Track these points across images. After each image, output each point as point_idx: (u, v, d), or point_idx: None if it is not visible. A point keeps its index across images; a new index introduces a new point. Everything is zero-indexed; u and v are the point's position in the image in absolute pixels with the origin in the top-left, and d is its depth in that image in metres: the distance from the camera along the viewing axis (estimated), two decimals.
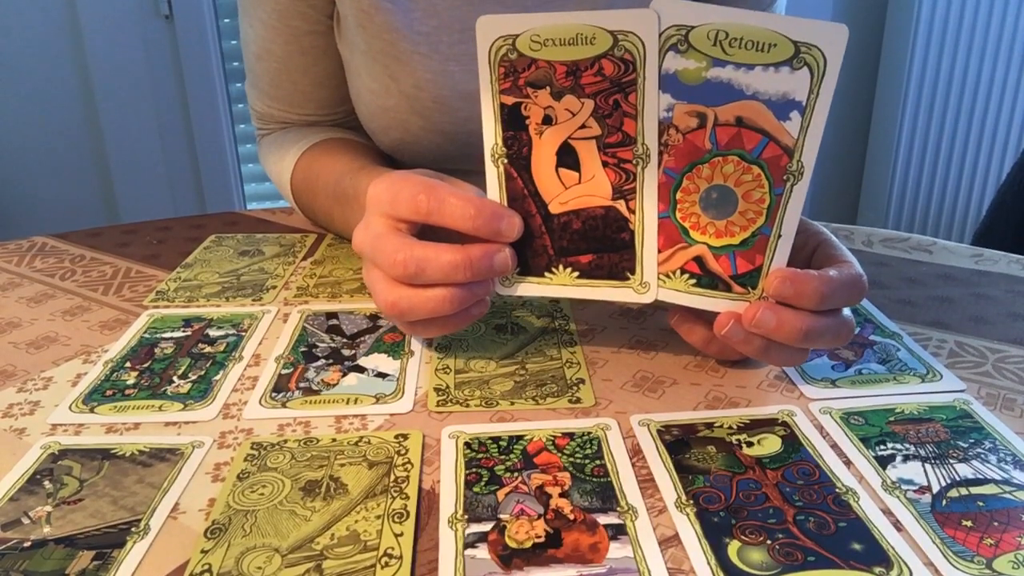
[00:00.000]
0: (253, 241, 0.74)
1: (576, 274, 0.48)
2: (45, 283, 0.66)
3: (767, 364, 0.51)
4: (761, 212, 0.45)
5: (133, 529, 0.38)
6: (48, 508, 0.40)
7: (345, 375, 0.51)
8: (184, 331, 0.57)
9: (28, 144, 1.92)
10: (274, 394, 0.49)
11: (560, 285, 0.49)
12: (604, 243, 0.47)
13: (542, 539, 0.37)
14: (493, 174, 0.47)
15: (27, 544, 0.37)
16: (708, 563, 0.35)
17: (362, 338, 0.55)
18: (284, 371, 0.51)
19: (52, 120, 1.91)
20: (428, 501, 0.40)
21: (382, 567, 0.35)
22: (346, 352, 0.54)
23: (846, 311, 0.46)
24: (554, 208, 0.47)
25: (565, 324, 0.57)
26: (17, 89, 1.87)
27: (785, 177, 0.44)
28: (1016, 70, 1.86)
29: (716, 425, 0.45)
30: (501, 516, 0.38)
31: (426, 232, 0.48)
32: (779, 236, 0.46)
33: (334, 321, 0.58)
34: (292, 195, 0.75)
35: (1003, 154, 1.93)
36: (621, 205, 0.47)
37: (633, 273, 0.48)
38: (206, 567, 0.35)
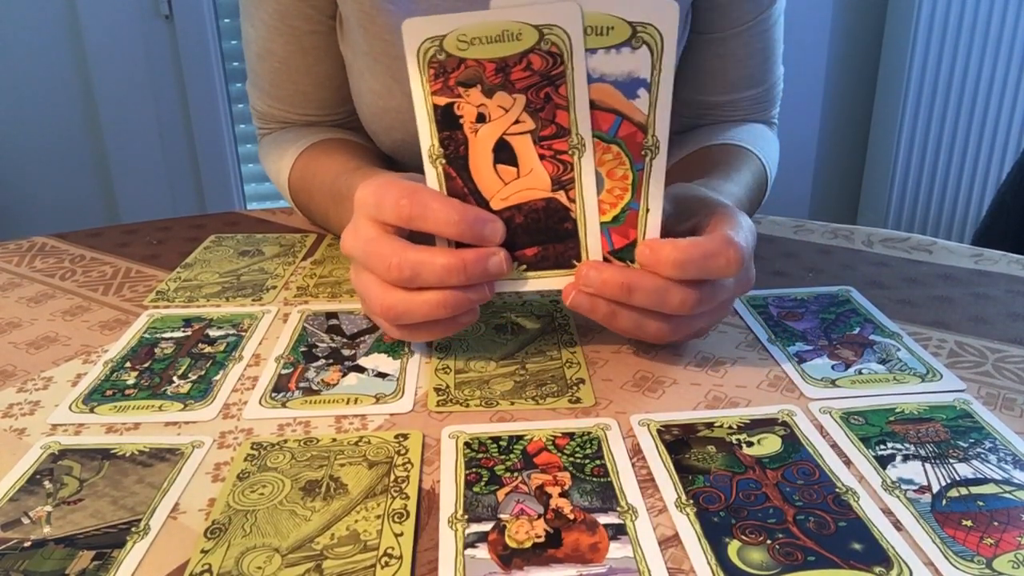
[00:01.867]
0: (253, 241, 0.74)
1: (523, 268, 0.49)
2: (45, 283, 0.66)
3: (763, 368, 0.51)
4: (626, 188, 0.47)
5: (133, 529, 0.38)
6: (48, 508, 0.40)
7: (345, 375, 0.51)
8: (184, 331, 0.57)
9: (28, 144, 1.92)
10: (274, 394, 0.49)
11: (508, 280, 0.49)
12: (548, 234, 0.48)
13: (542, 539, 0.37)
14: (432, 175, 0.48)
15: (27, 544, 0.37)
16: (708, 563, 0.35)
17: (362, 338, 0.55)
18: (284, 371, 0.52)
19: (52, 120, 1.91)
20: (428, 501, 0.40)
21: (382, 567, 0.35)
22: (346, 352, 0.54)
23: (722, 283, 0.47)
24: (495, 204, 0.48)
25: (565, 324, 0.57)
26: (17, 89, 1.87)
27: (643, 152, 0.47)
28: (1016, 70, 1.87)
29: (716, 425, 0.45)
30: (501, 516, 0.38)
31: (416, 235, 0.48)
32: (647, 210, 0.47)
33: (334, 321, 0.58)
34: (290, 194, 0.75)
35: (1003, 154, 1.93)
36: (561, 196, 0.48)
37: (579, 261, 0.49)
38: (206, 567, 0.35)
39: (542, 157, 0.47)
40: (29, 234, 0.77)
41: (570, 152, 0.46)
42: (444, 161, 0.47)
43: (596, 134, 0.46)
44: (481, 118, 0.46)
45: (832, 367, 0.51)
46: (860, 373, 0.50)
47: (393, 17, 0.65)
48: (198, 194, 2.04)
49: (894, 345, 0.53)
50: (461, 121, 0.46)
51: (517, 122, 0.46)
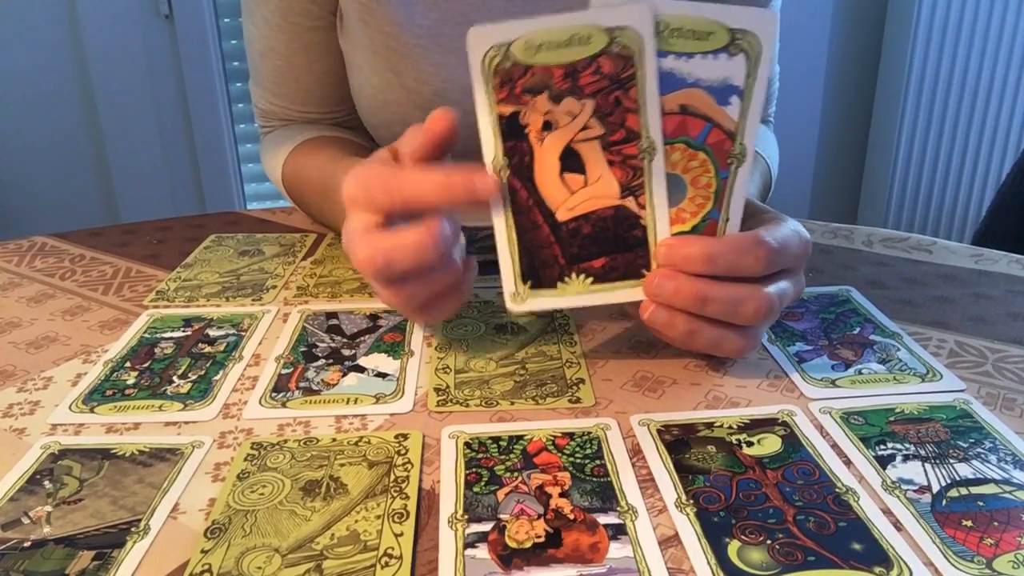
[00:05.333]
0: (253, 241, 0.74)
1: (590, 280, 0.48)
2: (45, 283, 0.66)
3: (763, 368, 0.51)
4: (709, 197, 0.46)
5: (133, 529, 0.38)
6: (48, 508, 0.40)
7: (345, 375, 0.51)
8: (184, 331, 0.57)
9: (28, 144, 1.92)
10: (274, 394, 0.49)
11: (575, 294, 0.48)
12: (617, 244, 0.47)
13: (542, 539, 0.37)
14: None
15: (27, 544, 0.37)
16: (708, 563, 0.35)
17: (362, 338, 0.55)
18: (284, 371, 0.51)
19: (52, 120, 1.91)
20: (428, 501, 0.40)
21: (382, 567, 0.35)
22: (346, 352, 0.54)
23: (770, 288, 0.46)
24: (561, 215, 0.47)
25: (565, 324, 0.57)
26: (17, 89, 1.87)
27: (729, 161, 0.46)
28: (1016, 70, 1.86)
29: (716, 425, 0.45)
30: (501, 516, 0.38)
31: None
32: (727, 219, 0.47)
33: (334, 321, 0.58)
34: (284, 189, 0.76)
35: (1003, 154, 1.93)
36: (631, 202, 0.46)
37: (649, 269, 0.47)
38: (206, 567, 0.35)
39: (611, 163, 0.46)
40: (29, 234, 0.77)
41: (640, 156, 0.45)
42: (508, 172, 0.46)
43: (684, 140, 0.46)
44: (548, 126, 0.45)
45: (832, 367, 0.51)
46: (860, 373, 0.50)
47: (393, 9, 0.66)
48: (198, 194, 2.04)
49: (894, 345, 0.53)
50: (527, 131, 0.45)
51: (585, 128, 0.45)
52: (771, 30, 0.44)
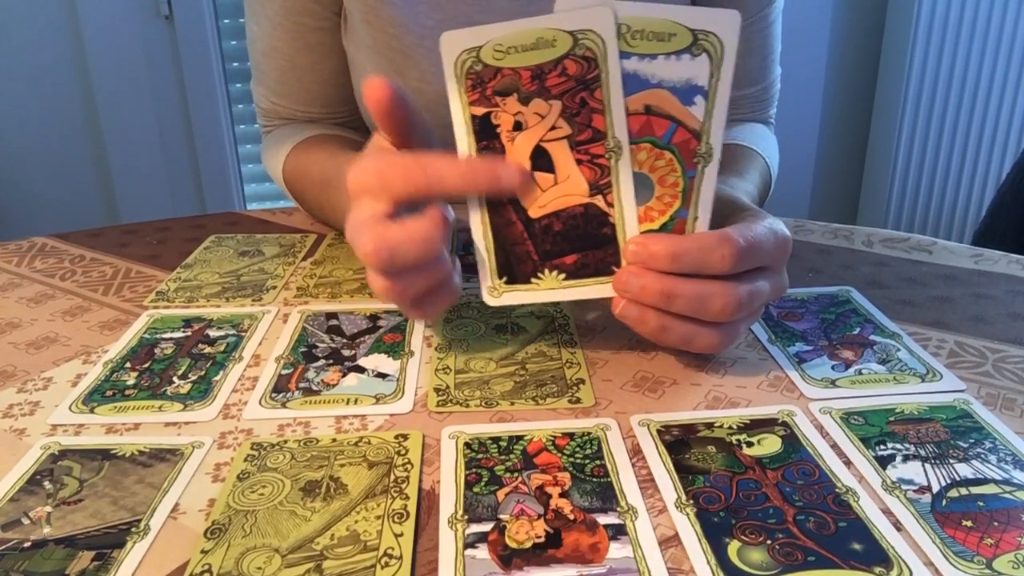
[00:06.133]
0: (253, 241, 0.74)
1: (563, 276, 0.48)
2: (45, 283, 0.66)
3: (763, 368, 0.51)
4: (676, 196, 0.47)
5: (133, 529, 0.38)
6: (48, 508, 0.40)
7: (345, 375, 0.51)
8: (184, 331, 0.57)
9: (28, 144, 1.92)
10: (274, 394, 0.49)
11: (548, 289, 0.49)
12: (587, 241, 0.48)
13: (542, 539, 0.37)
14: None
15: (27, 544, 0.37)
16: (708, 563, 0.35)
17: (362, 338, 0.55)
18: (284, 371, 0.52)
19: (52, 120, 1.91)
20: (428, 501, 0.40)
21: (382, 567, 0.35)
22: (346, 352, 0.54)
23: (741, 285, 0.46)
24: (533, 212, 0.48)
25: (565, 324, 0.57)
26: (17, 89, 1.87)
27: (695, 160, 0.46)
28: (1016, 70, 1.87)
29: (716, 425, 0.45)
30: (501, 516, 0.38)
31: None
32: (696, 218, 0.47)
33: (334, 321, 0.58)
34: (285, 185, 0.76)
35: (1003, 154, 1.93)
36: (599, 200, 0.47)
37: (619, 267, 0.48)
38: (206, 567, 0.35)
39: (579, 162, 0.47)
40: (29, 234, 0.77)
41: (607, 156, 0.46)
42: None
43: (650, 140, 0.46)
44: (518, 126, 0.46)
45: (832, 367, 0.51)
46: (860, 373, 0.50)
47: (396, 10, 0.66)
48: (198, 194, 2.04)
49: (894, 345, 0.53)
50: (498, 130, 0.47)
51: (553, 128, 0.46)
52: (733, 30, 0.44)
